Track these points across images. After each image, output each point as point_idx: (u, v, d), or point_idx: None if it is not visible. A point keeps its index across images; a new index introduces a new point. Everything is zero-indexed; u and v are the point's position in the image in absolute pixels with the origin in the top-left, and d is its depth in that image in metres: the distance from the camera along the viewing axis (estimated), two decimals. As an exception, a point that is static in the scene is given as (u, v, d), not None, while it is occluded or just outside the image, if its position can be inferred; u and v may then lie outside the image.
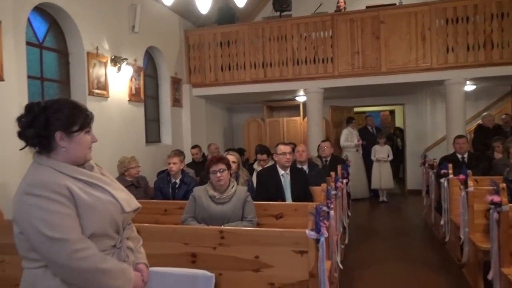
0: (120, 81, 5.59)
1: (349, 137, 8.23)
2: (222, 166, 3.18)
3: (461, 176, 4.02)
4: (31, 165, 1.47)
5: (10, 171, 3.58)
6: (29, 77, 4.12)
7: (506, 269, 2.98)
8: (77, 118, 1.47)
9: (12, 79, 3.67)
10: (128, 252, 1.54)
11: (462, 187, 4.00)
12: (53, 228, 1.31)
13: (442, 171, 4.97)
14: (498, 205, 3.07)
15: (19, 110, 1.50)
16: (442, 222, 5.02)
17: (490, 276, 3.19)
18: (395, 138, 10.51)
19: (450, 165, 4.89)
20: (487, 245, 3.35)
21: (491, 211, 3.19)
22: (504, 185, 3.16)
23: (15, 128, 1.48)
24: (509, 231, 3.04)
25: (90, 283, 1.37)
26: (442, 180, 4.96)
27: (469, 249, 3.85)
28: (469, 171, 4.03)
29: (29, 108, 1.45)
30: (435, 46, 6.60)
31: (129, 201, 1.54)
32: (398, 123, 11.45)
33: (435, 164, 5.89)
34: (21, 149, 1.50)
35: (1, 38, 3.55)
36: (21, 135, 1.45)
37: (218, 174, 3.15)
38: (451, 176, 4.75)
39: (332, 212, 3.30)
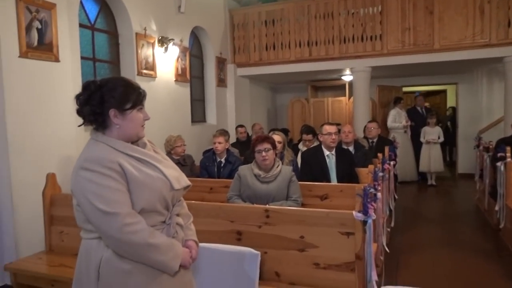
0: (166, 61, 5.69)
1: (397, 118, 7.93)
2: (267, 145, 3.18)
3: (521, 160, 3.77)
4: (88, 141, 1.53)
5: (67, 148, 3.79)
6: (82, 58, 4.29)
7: None
8: (130, 96, 1.51)
9: (67, 60, 3.83)
10: (178, 229, 1.58)
11: (521, 171, 3.76)
12: (105, 202, 1.37)
13: (499, 154, 4.69)
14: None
15: (74, 90, 1.57)
16: (496, 208, 4.77)
17: (549, 266, 3.01)
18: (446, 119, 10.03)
19: (508, 148, 4.60)
20: (548, 233, 3.16)
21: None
22: None
23: (71, 106, 1.55)
24: None
25: (139, 256, 1.42)
26: (498, 163, 4.69)
27: (526, 237, 3.65)
28: (530, 155, 3.77)
29: (85, 86, 1.51)
30: (495, 20, 6.14)
31: (179, 178, 1.57)
32: (450, 103, 10.89)
33: (491, 146, 5.57)
34: (79, 126, 1.56)
35: (56, 20, 3.70)
36: (79, 112, 1.51)
37: (264, 154, 3.15)
38: (508, 159, 4.48)
39: (379, 194, 3.21)
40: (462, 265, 3.91)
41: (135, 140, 1.56)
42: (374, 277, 2.33)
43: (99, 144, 1.48)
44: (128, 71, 5.05)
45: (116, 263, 1.42)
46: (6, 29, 3.29)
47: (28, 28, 3.45)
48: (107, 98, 1.48)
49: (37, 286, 2.92)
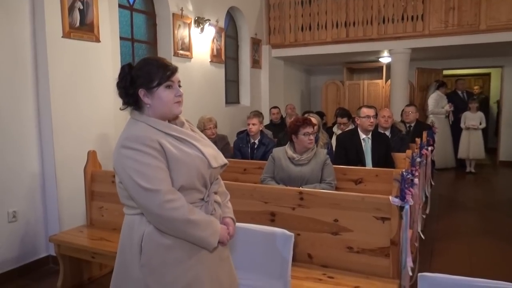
0: (202, 42, 5.71)
1: (439, 103, 7.64)
2: (312, 128, 3.18)
3: None
4: (128, 120, 1.57)
5: (106, 126, 3.91)
6: (121, 38, 4.37)
7: None
8: (154, 74, 1.50)
9: (107, 40, 3.92)
10: (215, 206, 1.61)
11: None
12: (146, 179, 1.40)
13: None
14: None
15: (113, 69, 1.60)
16: (540, 198, 4.56)
17: None
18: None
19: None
20: None
21: None
22: None
23: (110, 86, 1.59)
24: None
25: (179, 231, 1.46)
26: (545, 152, 4.45)
27: None
28: None
29: (121, 68, 1.55)
30: (549, -1, 5.74)
31: (216, 157, 1.59)
32: (494, 87, 10.37)
33: (537, 134, 5.28)
34: (121, 109, 1.59)
35: (97, 1, 3.77)
36: (119, 95, 1.55)
37: (311, 137, 3.14)
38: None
39: (416, 180, 3.14)
40: (499, 255, 3.79)
41: (171, 118, 1.57)
42: (410, 263, 2.29)
43: (138, 123, 1.52)
44: (165, 52, 5.11)
45: (157, 238, 1.46)
46: (51, 10, 3.39)
47: (71, 9, 3.54)
48: (136, 79, 1.51)
49: (79, 257, 3.07)
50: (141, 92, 1.51)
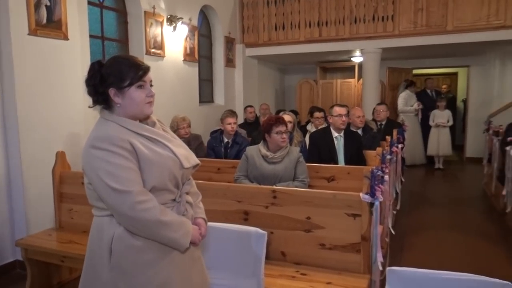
0: (175, 40, 5.65)
1: (408, 101, 7.84)
2: (285, 127, 3.19)
3: (531, 145, 3.74)
4: (98, 120, 1.54)
5: (75, 126, 3.81)
6: (91, 36, 4.27)
7: None
8: (126, 73, 1.48)
9: (76, 38, 3.82)
10: (187, 207, 1.60)
11: (531, 156, 3.73)
12: (116, 180, 1.38)
13: (509, 139, 4.65)
14: None
15: (82, 68, 1.57)
16: (504, 192, 4.76)
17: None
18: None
19: (519, 133, 4.55)
20: (555, 218, 3.15)
21: None
22: None
23: (80, 85, 1.55)
24: None
25: (151, 233, 1.44)
26: (508, 148, 4.65)
27: (533, 221, 3.64)
28: (541, 140, 3.73)
29: (90, 66, 1.52)
30: (511, 1, 5.97)
31: (188, 157, 1.58)
32: (461, 86, 10.74)
33: (501, 131, 5.51)
34: (90, 107, 1.56)
35: (65, -3, 3.67)
36: (88, 93, 1.52)
37: (284, 135, 3.16)
38: (518, 144, 4.44)
39: (386, 177, 3.21)
40: (466, 248, 3.93)
41: (143, 119, 1.55)
42: (380, 258, 2.35)
43: (109, 123, 1.49)
44: (136, 50, 5.03)
45: (128, 239, 1.44)
46: (16, 6, 3.28)
47: (37, 6, 3.43)
48: (106, 77, 1.48)
49: (47, 261, 2.99)
50: (112, 91, 1.48)
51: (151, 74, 1.57)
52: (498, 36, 6.19)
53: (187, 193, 1.62)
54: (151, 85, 1.56)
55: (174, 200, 1.55)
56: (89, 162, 1.44)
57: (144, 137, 1.50)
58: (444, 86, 10.48)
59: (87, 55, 4.06)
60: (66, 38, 3.70)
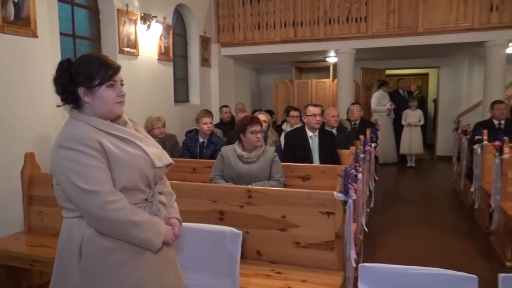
0: (149, 39, 5.58)
1: (381, 101, 8.01)
2: (260, 127, 3.20)
3: (497, 143, 3.88)
4: (67, 120, 1.51)
5: (45, 126, 3.70)
6: (61, 34, 4.16)
7: (538, 238, 2.92)
8: (96, 73, 1.45)
9: (45, 36, 3.72)
10: (160, 207, 1.58)
11: (497, 154, 3.87)
12: (85, 180, 1.36)
13: (476, 137, 4.81)
14: (535, 173, 2.96)
15: (52, 66, 1.52)
16: (472, 189, 4.92)
17: (520, 245, 3.14)
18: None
19: (485, 131, 4.72)
20: (519, 213, 3.28)
21: (526, 179, 3.09)
22: (543, 153, 3.03)
23: (49, 84, 1.51)
24: (544, 201, 2.95)
25: (121, 233, 1.42)
26: (475, 146, 4.81)
27: (499, 217, 3.78)
28: (506, 138, 3.88)
29: (59, 64, 1.49)
30: (478, 5, 6.20)
31: (160, 156, 1.56)
32: (432, 87, 11.04)
33: (469, 130, 5.70)
34: (58, 106, 1.52)
35: (33, -6, 3.57)
36: (56, 91, 1.48)
37: (259, 135, 3.16)
38: (485, 142, 4.60)
39: (360, 175, 3.27)
40: (437, 244, 4.05)
41: (113, 118, 1.53)
42: (353, 255, 2.39)
43: (78, 122, 1.46)
44: (109, 49, 4.94)
45: (98, 241, 1.42)
46: (-20, 2, 3.16)
47: (4, 2, 3.31)
48: (75, 76, 1.45)
49: (16, 266, 2.90)
50: (81, 91, 1.45)
51: (122, 74, 1.54)
52: (466, 38, 6.41)
53: (160, 193, 1.61)
54: (122, 85, 1.53)
55: (146, 200, 1.53)
56: (57, 162, 1.41)
57: (114, 136, 1.47)
58: (413, 87, 10.77)
59: (58, 53, 3.96)
60: (35, 35, 3.59)
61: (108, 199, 1.37)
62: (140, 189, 1.50)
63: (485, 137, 4.65)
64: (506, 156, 3.70)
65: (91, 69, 1.45)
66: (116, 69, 1.51)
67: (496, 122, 5.26)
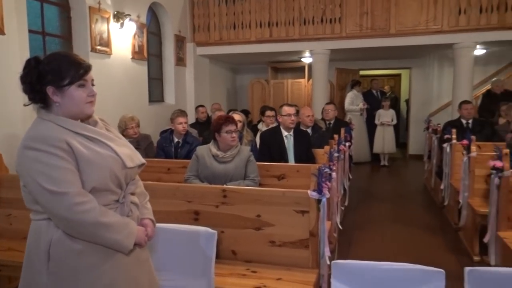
0: (123, 38, 5.49)
1: (354, 101, 8.14)
2: (235, 126, 3.20)
3: (464, 141, 4.02)
4: (34, 119, 1.47)
5: (13, 126, 3.59)
6: (30, 31, 4.04)
7: (503, 232, 3.05)
8: (66, 72, 1.42)
9: (13, 33, 3.60)
10: (132, 207, 1.56)
11: (464, 152, 4.01)
12: (53, 182, 1.33)
13: (445, 136, 4.96)
14: (500, 170, 3.08)
15: (21, 65, 1.48)
16: (442, 187, 5.07)
17: (486, 239, 3.26)
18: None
19: (454, 130, 4.87)
20: (485, 209, 3.41)
21: (492, 176, 3.22)
22: (507, 150, 3.16)
23: (17, 83, 1.47)
24: (508, 196, 3.08)
25: (91, 235, 1.40)
26: (445, 145, 4.96)
27: (467, 213, 3.91)
28: (473, 137, 4.02)
29: (26, 62, 1.45)
30: (447, 8, 6.39)
31: (132, 156, 1.54)
32: (404, 87, 11.31)
33: (438, 129, 5.87)
34: (25, 105, 1.48)
35: (0, -10, 3.45)
36: (23, 90, 1.44)
37: (234, 134, 3.16)
38: (454, 141, 4.74)
39: (334, 174, 3.32)
40: (409, 240, 4.15)
41: (83, 118, 1.50)
42: (327, 253, 2.42)
43: (45, 122, 1.42)
44: (81, 47, 4.83)
45: (67, 243, 1.39)
46: None
47: (-32, -3, 3.20)
48: (44, 75, 1.41)
49: (-17, 270, 2.80)
50: (50, 90, 1.42)
51: (92, 73, 1.51)
52: (435, 40, 6.60)
53: (132, 194, 1.58)
54: (92, 85, 1.51)
55: (118, 201, 1.51)
56: (23, 163, 1.37)
57: (84, 136, 1.44)
58: (386, 87, 11.00)
59: (26, 51, 3.84)
60: (2, 32, 3.48)
61: (77, 200, 1.34)
62: (111, 190, 1.47)
63: (454, 136, 4.80)
64: (473, 154, 3.83)
65: (61, 67, 1.42)
66: (87, 68, 1.48)
67: (464, 121, 5.44)
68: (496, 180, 3.13)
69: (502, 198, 3.10)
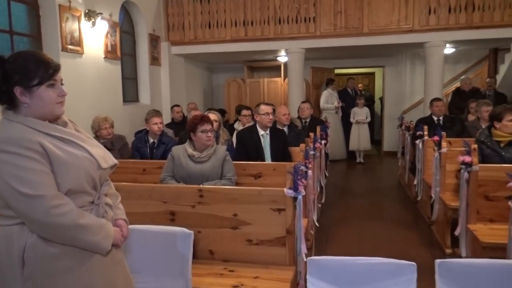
0: (95, 37, 5.38)
1: (329, 99, 8.24)
2: (210, 126, 3.18)
3: (435, 138, 4.13)
4: (1, 121, 1.42)
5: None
6: (-4, 30, 3.92)
7: (472, 225, 3.15)
8: (35, 72, 1.38)
9: (-22, 32, 3.49)
10: (107, 208, 1.55)
11: (436, 148, 4.12)
12: (27, 185, 1.29)
13: (418, 133, 5.09)
14: (469, 165, 3.18)
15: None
16: (415, 182, 5.19)
17: (457, 232, 3.37)
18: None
19: (426, 127, 4.99)
20: (456, 203, 3.51)
21: (462, 171, 3.32)
22: (475, 146, 3.27)
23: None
24: (477, 190, 3.18)
25: (69, 238, 1.37)
26: (417, 141, 5.08)
27: (439, 207, 4.02)
28: (443, 133, 4.14)
29: None
30: (418, 7, 6.55)
31: (105, 157, 1.52)
32: (378, 85, 11.53)
33: (411, 126, 6.01)
34: None
35: (-37, -13, 3.33)
36: None
37: (209, 134, 3.14)
38: (426, 137, 4.87)
39: (310, 172, 3.36)
40: (384, 234, 4.24)
41: (53, 119, 1.46)
42: (304, 250, 2.45)
43: (13, 123, 1.37)
44: (51, 47, 4.70)
45: (42, 247, 1.35)
46: None
47: None
48: (11, 75, 1.36)
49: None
50: (17, 90, 1.37)
51: (62, 73, 1.48)
52: (407, 39, 6.76)
53: (105, 195, 1.56)
54: (62, 84, 1.47)
55: (93, 202, 1.49)
56: None
57: (56, 137, 1.41)
58: (360, 85, 11.19)
59: (-7, 50, 3.72)
60: (-34, 31, 3.35)
61: (53, 203, 1.31)
62: (86, 192, 1.45)
63: (425, 133, 4.92)
64: (444, 150, 3.94)
65: (29, 67, 1.38)
66: (56, 67, 1.44)
67: (435, 118, 5.58)
68: (466, 175, 3.23)
69: (471, 192, 3.20)
